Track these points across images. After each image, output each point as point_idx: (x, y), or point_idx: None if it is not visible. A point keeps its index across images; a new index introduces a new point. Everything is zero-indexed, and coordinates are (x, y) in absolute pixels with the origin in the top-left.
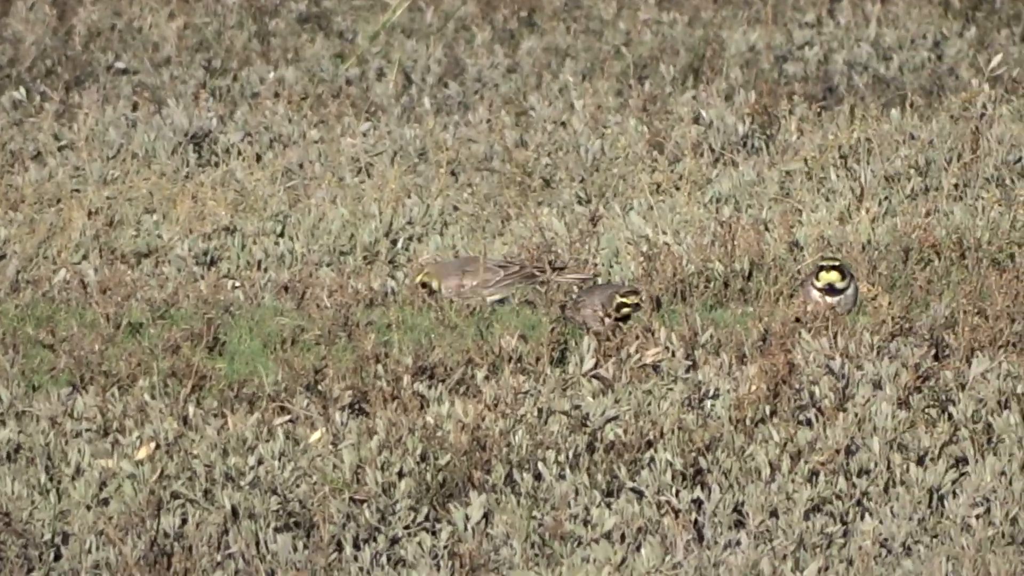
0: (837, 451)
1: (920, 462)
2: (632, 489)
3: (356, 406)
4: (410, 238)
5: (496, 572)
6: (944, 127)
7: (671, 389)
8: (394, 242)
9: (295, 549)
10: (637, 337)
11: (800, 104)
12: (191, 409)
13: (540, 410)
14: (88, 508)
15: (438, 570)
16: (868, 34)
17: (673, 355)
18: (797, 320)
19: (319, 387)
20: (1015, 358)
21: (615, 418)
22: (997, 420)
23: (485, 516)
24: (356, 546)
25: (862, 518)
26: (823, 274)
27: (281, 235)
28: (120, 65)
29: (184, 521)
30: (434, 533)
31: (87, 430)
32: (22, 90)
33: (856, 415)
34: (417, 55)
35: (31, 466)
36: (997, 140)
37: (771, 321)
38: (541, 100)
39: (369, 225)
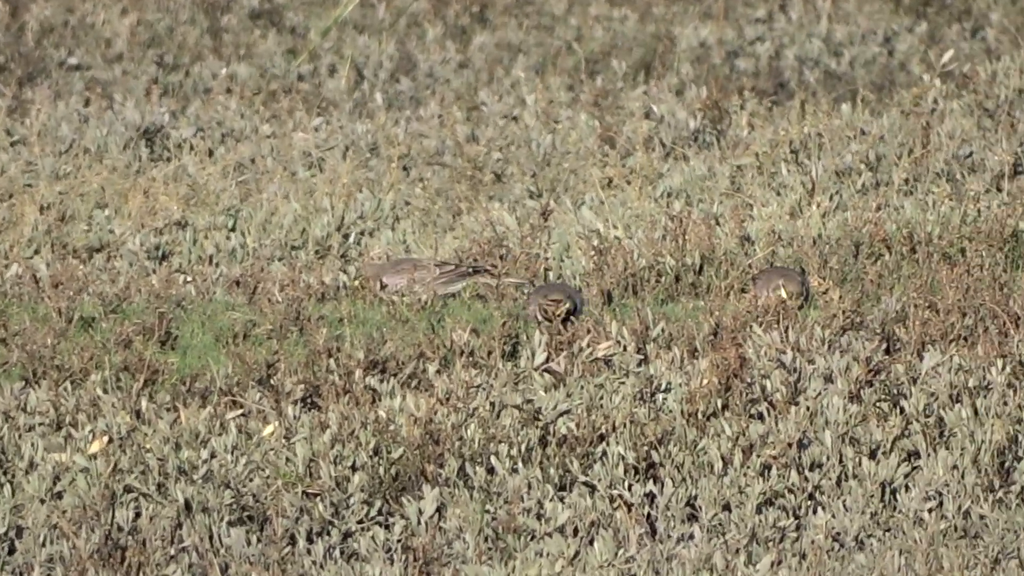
0: (789, 445)
1: (872, 456)
2: (585, 483)
3: (308, 400)
4: (362, 232)
5: (449, 566)
6: (895, 122)
7: (623, 383)
8: (346, 236)
9: (248, 543)
10: (588, 331)
11: (751, 99)
12: (144, 403)
13: (492, 404)
14: (42, 502)
15: (391, 564)
16: (819, 30)
17: (624, 349)
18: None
19: (271, 381)
20: (966, 352)
21: (567, 412)
22: (949, 414)
23: (438, 510)
24: (309, 540)
25: (815, 512)
26: None
27: (233, 230)
28: (72, 61)
29: (138, 515)
30: (387, 527)
31: (40, 424)
32: None
33: (808, 409)
34: (369, 51)
35: None
36: (948, 135)
37: (722, 315)
38: (492, 95)
39: (321, 220)
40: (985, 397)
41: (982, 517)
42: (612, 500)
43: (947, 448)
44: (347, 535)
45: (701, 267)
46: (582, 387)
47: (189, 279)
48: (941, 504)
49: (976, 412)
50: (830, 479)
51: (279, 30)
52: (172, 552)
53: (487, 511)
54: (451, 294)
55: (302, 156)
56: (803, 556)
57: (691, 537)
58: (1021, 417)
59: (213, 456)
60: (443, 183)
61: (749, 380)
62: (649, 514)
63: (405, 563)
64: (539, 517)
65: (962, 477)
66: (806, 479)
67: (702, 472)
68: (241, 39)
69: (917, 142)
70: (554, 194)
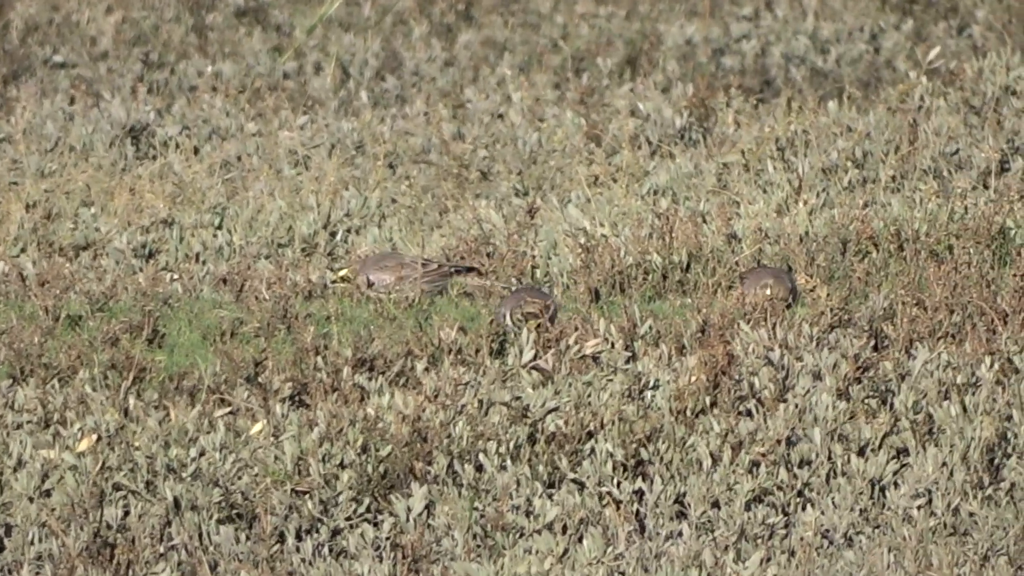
0: (778, 442)
1: (861, 453)
2: (573, 480)
3: (296, 398)
4: (348, 230)
5: (438, 563)
6: (881, 119)
7: (611, 380)
8: (332, 234)
9: (237, 540)
10: (576, 329)
11: (737, 97)
12: (132, 401)
13: (480, 401)
14: (30, 500)
15: (380, 561)
16: (805, 27)
17: (612, 346)
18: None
19: (259, 379)
20: (954, 349)
21: (555, 409)
22: (938, 411)
23: (427, 507)
24: (298, 537)
25: (803, 509)
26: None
27: (219, 227)
28: (58, 59)
29: (127, 513)
30: (376, 524)
31: (28, 422)
32: None
33: (796, 406)
34: (354, 49)
35: None
36: (934, 132)
37: (710, 312)
38: (478, 93)
39: (307, 217)
40: (974, 394)
41: (971, 514)
42: (601, 497)
43: (936, 445)
44: (336, 532)
45: (688, 265)
46: (570, 384)
47: (176, 277)
48: (930, 501)
49: (965, 409)
50: (819, 476)
51: (264, 28)
52: (161, 550)
53: (475, 508)
54: (436, 293)
55: (288, 154)
56: (792, 553)
57: (680, 534)
58: (1010, 414)
59: (202, 454)
60: (429, 181)
61: (737, 377)
62: (638, 511)
63: (394, 560)
64: (528, 514)
65: (951, 474)
66: (795, 476)
67: (691, 469)
68: (226, 37)
69: (904, 139)
70: (540, 192)
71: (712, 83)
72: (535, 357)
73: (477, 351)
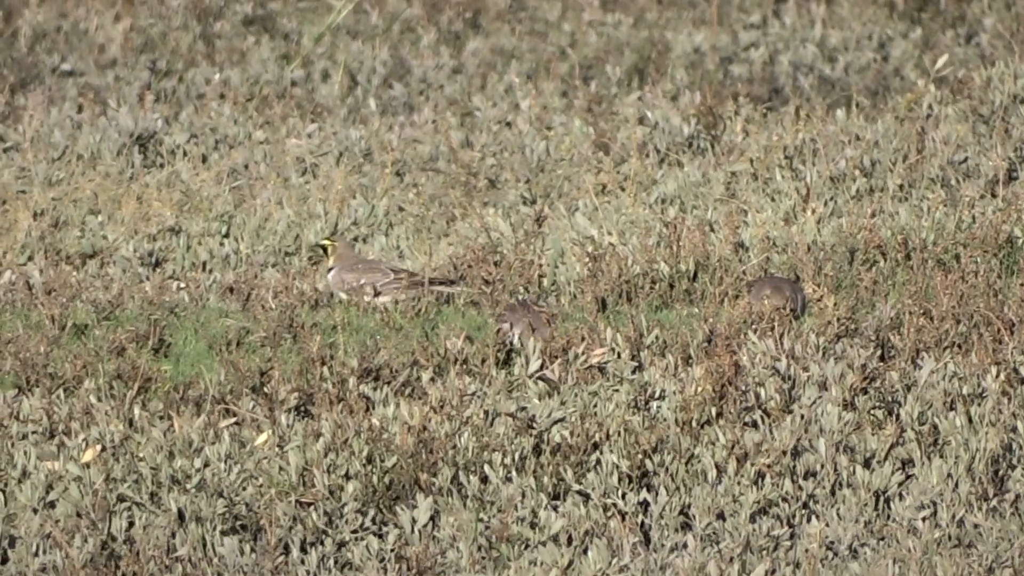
0: (783, 453)
1: (866, 464)
2: (579, 491)
3: (302, 408)
4: (356, 239)
5: (443, 575)
6: (889, 128)
7: (617, 390)
8: None
9: (242, 552)
10: (583, 338)
11: (745, 105)
12: (137, 411)
13: (486, 412)
14: (35, 511)
15: (385, 573)
16: (813, 35)
17: (619, 356)
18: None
19: (265, 389)
20: (960, 359)
21: (561, 420)
22: (943, 422)
23: (432, 519)
24: (303, 549)
25: (808, 520)
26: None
27: (226, 236)
28: (65, 67)
29: (131, 524)
30: (381, 536)
31: (33, 432)
32: None
33: (802, 417)
34: (362, 56)
35: None
36: (942, 141)
37: (717, 322)
38: (486, 101)
39: (314, 226)
40: (979, 405)
41: (976, 526)
42: (606, 509)
43: (941, 456)
44: (341, 544)
45: (695, 274)
46: (576, 395)
47: (182, 286)
48: (935, 513)
49: (970, 420)
50: (824, 488)
51: (272, 36)
52: (166, 561)
53: (481, 520)
54: (412, 300)
55: (295, 162)
56: (797, 565)
57: (685, 546)
58: (1015, 425)
59: (207, 465)
60: (437, 189)
61: (743, 388)
62: (643, 523)
63: (399, 572)
64: (533, 526)
65: (956, 486)
66: (800, 488)
67: (696, 480)
68: (234, 45)
69: (912, 148)
70: (548, 200)
71: (720, 91)
72: (541, 367)
73: (483, 361)
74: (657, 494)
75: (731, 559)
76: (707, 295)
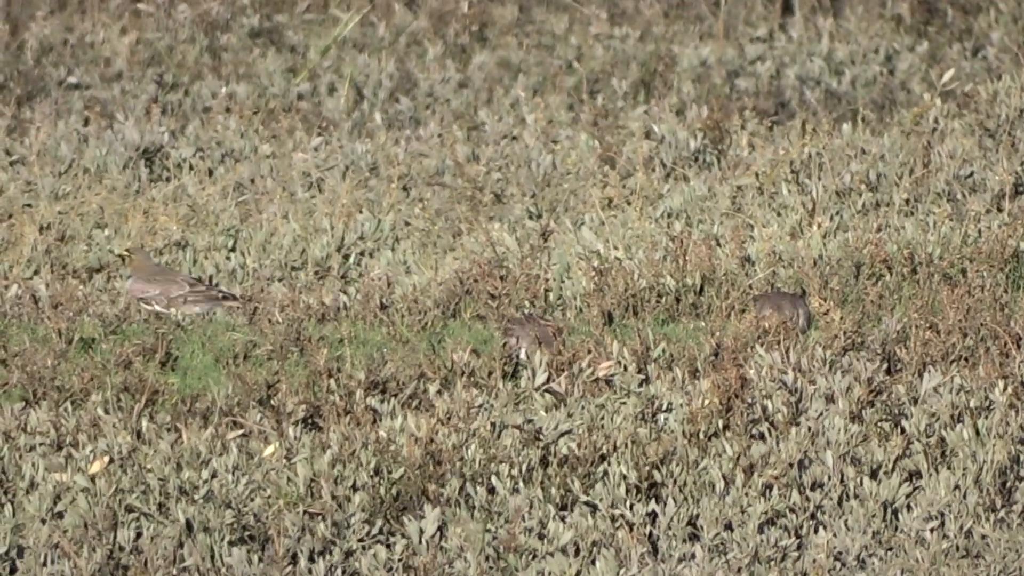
0: (791, 465)
1: (874, 476)
2: (586, 503)
3: (309, 420)
4: (362, 253)
5: None
6: (896, 142)
7: (624, 403)
8: (346, 257)
9: (250, 563)
10: (590, 351)
11: (752, 119)
12: (144, 423)
13: (493, 424)
14: (43, 522)
15: None
16: (820, 49)
17: (625, 369)
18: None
19: (272, 402)
20: (967, 372)
21: (568, 432)
22: (950, 434)
23: (439, 529)
24: (311, 559)
25: (816, 532)
26: None
27: (232, 250)
28: (72, 80)
29: (139, 535)
30: (388, 546)
31: (40, 444)
32: None
33: (809, 429)
34: (369, 70)
35: None
36: (948, 155)
37: (723, 335)
38: (492, 115)
39: (320, 240)
40: (986, 417)
41: (983, 537)
42: (614, 520)
43: (949, 468)
44: (348, 554)
45: (702, 287)
46: (583, 407)
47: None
48: (943, 524)
49: (977, 432)
50: (831, 499)
51: (278, 49)
52: (174, 572)
53: (488, 531)
54: (207, 313)
55: (301, 176)
56: (805, 575)
57: (693, 557)
58: (1023, 437)
59: (214, 476)
60: (443, 203)
61: (750, 400)
62: (651, 534)
63: None
64: (541, 537)
65: (964, 497)
66: (807, 499)
67: (704, 492)
68: (240, 58)
69: (918, 162)
70: (554, 214)
71: (726, 105)
72: (548, 380)
73: (490, 373)
74: (665, 505)
75: (739, 569)
76: (713, 309)
